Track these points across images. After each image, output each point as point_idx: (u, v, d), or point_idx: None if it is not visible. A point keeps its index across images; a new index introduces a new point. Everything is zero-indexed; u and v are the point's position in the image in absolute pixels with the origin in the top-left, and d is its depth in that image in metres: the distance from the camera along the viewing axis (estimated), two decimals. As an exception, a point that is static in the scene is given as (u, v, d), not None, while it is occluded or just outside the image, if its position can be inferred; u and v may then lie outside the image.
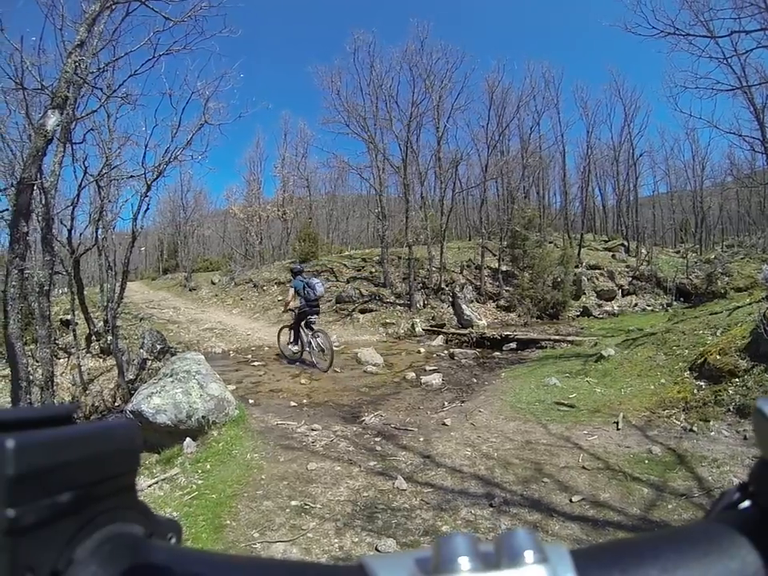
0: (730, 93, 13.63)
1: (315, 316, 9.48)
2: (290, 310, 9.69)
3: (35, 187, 6.02)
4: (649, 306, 18.27)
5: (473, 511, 3.56)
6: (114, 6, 6.38)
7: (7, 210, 5.66)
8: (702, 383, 5.70)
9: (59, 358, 11.64)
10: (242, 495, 4.04)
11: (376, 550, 3.12)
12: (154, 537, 0.36)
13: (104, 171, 9.68)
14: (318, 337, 9.28)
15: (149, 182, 9.53)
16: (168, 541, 0.38)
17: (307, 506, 3.76)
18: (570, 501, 3.67)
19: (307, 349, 9.52)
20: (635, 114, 29.41)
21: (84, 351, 11.82)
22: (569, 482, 4.01)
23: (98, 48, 6.52)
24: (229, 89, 10.66)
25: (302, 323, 9.48)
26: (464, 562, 0.26)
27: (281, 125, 36.25)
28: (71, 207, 10.21)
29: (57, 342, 12.12)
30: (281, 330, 10.71)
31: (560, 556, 0.27)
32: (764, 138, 17.86)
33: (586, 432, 5.18)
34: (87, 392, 10.27)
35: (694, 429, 4.92)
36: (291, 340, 9.94)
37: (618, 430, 5.18)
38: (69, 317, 11.89)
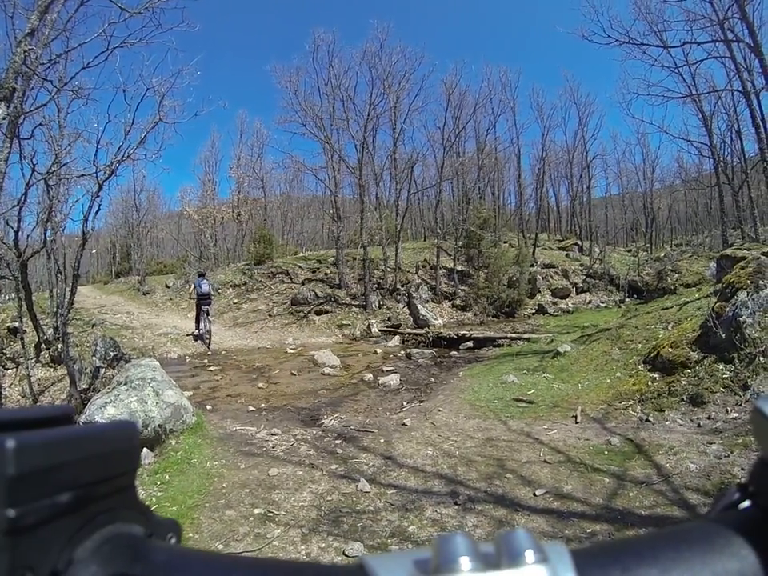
0: (681, 100, 14.35)
1: (206, 306, 12.63)
2: (192, 299, 13.35)
3: None
4: (602, 302, 18.83)
5: (438, 510, 3.55)
6: None
7: None
8: (656, 375, 5.90)
9: (7, 369, 11.11)
10: (204, 506, 3.91)
11: (344, 554, 3.07)
12: (153, 537, 0.36)
13: (53, 169, 9.25)
14: (204, 322, 12.52)
15: (100, 182, 9.15)
16: (168, 541, 0.38)
17: (271, 514, 3.68)
18: (534, 494, 3.70)
19: (202, 330, 12.60)
20: (589, 118, 30.40)
21: (33, 360, 11.28)
22: (531, 476, 4.05)
23: (50, 38, 6.24)
24: (185, 86, 10.40)
25: (200, 311, 12.65)
26: (464, 562, 0.25)
27: (237, 124, 35.60)
28: (18, 207, 9.72)
29: (4, 351, 11.57)
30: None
31: (560, 556, 0.26)
32: (711, 143, 18.76)
33: (545, 427, 5.27)
34: (38, 404, 9.83)
35: (650, 419, 5.09)
36: (195, 321, 13.11)
37: (576, 423, 5.30)
38: (16, 324, 11.36)
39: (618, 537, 3.03)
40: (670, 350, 5.96)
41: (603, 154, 34.28)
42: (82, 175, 9.87)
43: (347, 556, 3.06)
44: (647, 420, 5.09)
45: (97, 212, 10.17)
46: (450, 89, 23.03)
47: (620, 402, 5.66)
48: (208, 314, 12.75)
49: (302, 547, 3.21)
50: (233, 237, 31.09)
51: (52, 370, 11.19)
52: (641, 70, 35.96)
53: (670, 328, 7.06)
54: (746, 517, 0.33)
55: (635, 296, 17.65)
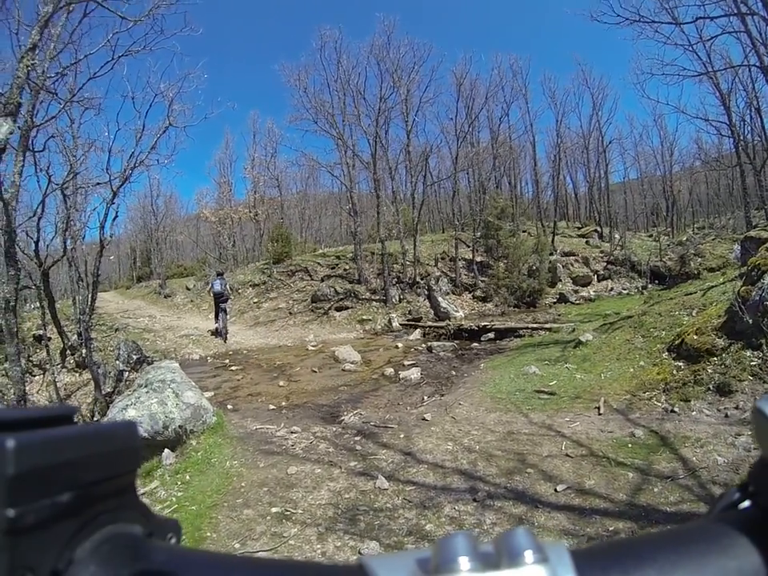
0: (696, 78, 13.89)
1: (223, 304, 13.34)
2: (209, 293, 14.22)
3: None
4: (624, 289, 18.48)
5: (457, 507, 3.49)
6: (71, 7, 6.19)
7: None
8: (681, 364, 5.72)
9: (34, 375, 11.36)
10: (222, 505, 3.93)
11: (359, 553, 3.04)
12: (153, 537, 0.36)
13: (68, 179, 9.39)
14: (222, 320, 13.28)
15: (114, 189, 9.28)
16: (168, 541, 0.38)
17: (288, 512, 3.67)
18: (555, 490, 3.62)
19: (219, 327, 13.34)
20: (603, 102, 29.70)
21: (59, 366, 11.52)
22: (553, 471, 3.96)
23: (55, 51, 6.30)
24: (193, 89, 10.49)
25: (217, 308, 13.47)
26: (464, 562, 0.26)
27: (249, 125, 35.79)
28: (36, 218, 9.89)
29: (31, 358, 11.82)
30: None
31: (560, 556, 0.26)
32: (730, 121, 18.17)
33: (567, 419, 5.15)
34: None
35: (676, 409, 4.92)
36: (214, 318, 14.01)
37: (599, 415, 5.17)
38: (41, 332, 11.58)
39: (636, 535, 2.94)
40: (695, 337, 5.78)
41: (620, 138, 33.60)
42: (98, 183, 10.03)
43: (362, 555, 3.00)
44: (672, 411, 4.93)
45: (114, 219, 10.39)
46: (460, 79, 22.71)
47: (644, 392, 5.50)
48: (225, 312, 13.51)
49: (318, 546, 3.19)
50: (251, 237, 31.21)
51: (77, 374, 11.41)
52: (653, 49, 34.89)
53: (694, 314, 6.87)
54: (746, 517, 0.33)
55: (657, 282, 17.35)
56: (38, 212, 9.76)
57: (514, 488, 3.72)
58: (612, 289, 18.91)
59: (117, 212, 15.23)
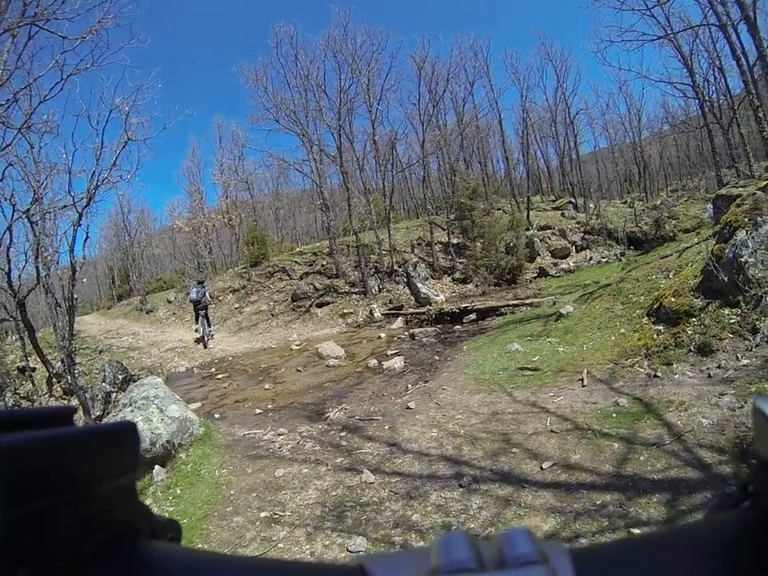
0: (657, 42, 13.92)
1: (202, 311, 13.86)
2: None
3: None
4: (603, 258, 18.60)
5: (443, 494, 3.47)
6: (15, 32, 6.08)
7: None
8: (661, 327, 5.73)
9: (23, 408, 11.19)
10: (213, 515, 3.93)
11: (347, 550, 3.03)
12: (153, 537, 0.35)
13: (32, 205, 9.22)
14: (203, 325, 13.86)
15: (80, 210, 9.14)
16: (168, 541, 0.37)
17: (277, 516, 3.67)
18: (541, 468, 3.60)
19: (200, 332, 13.98)
20: (567, 74, 30.00)
21: (47, 396, 11.36)
22: (538, 448, 3.95)
23: (3, 78, 6.20)
24: (148, 101, 10.36)
25: (197, 314, 14.03)
26: (463, 562, 0.26)
27: (214, 130, 35.40)
28: (5, 248, 9.71)
29: (18, 391, 11.65)
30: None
31: (559, 556, 0.26)
32: (694, 83, 18.28)
33: (551, 394, 5.15)
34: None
35: (658, 374, 4.92)
36: (194, 324, 15.00)
37: (583, 386, 5.17)
38: (24, 363, 11.40)
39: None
40: (673, 299, 5.79)
41: (586, 108, 34.00)
42: (64, 206, 9.86)
43: (350, 552, 3.02)
44: (655, 376, 4.93)
45: (86, 240, 10.22)
46: (420, 63, 22.52)
47: (626, 360, 5.51)
48: (206, 318, 14.10)
49: (307, 547, 3.18)
50: (227, 242, 30.88)
51: (66, 401, 11.26)
52: (611, 17, 35.21)
53: (671, 276, 6.90)
54: (746, 517, 0.33)
55: (635, 248, 17.46)
56: (5, 242, 9.58)
57: (500, 469, 3.70)
58: (591, 258, 19.03)
59: (87, 233, 14.98)
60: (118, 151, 9.47)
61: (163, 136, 31.67)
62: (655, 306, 6.10)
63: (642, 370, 5.16)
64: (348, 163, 19.36)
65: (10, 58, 6.50)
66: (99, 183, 9.23)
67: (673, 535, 0.33)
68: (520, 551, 0.26)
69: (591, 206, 24.43)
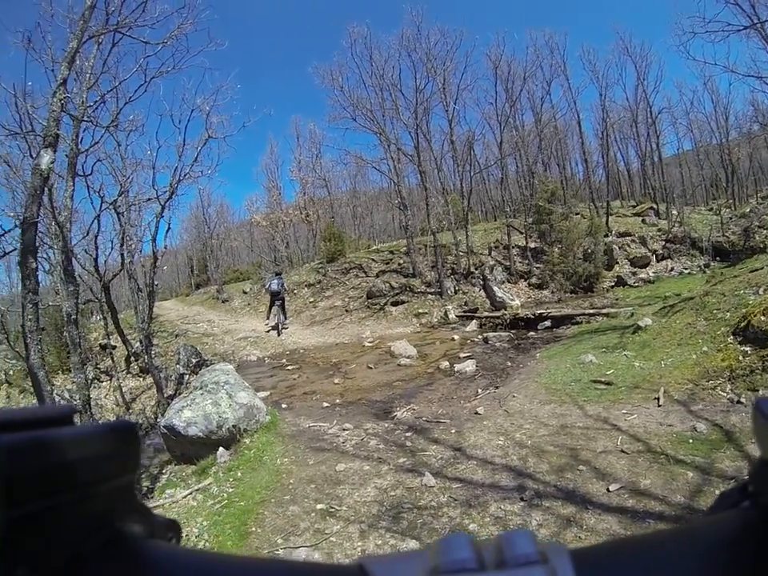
0: (743, 33, 12.77)
1: (278, 301, 14.59)
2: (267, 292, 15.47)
3: (54, 223, 6.22)
4: (685, 269, 17.54)
5: (503, 506, 3.39)
6: (100, 39, 6.51)
7: (15, 249, 5.82)
8: (748, 348, 5.31)
9: (102, 381, 12.01)
10: (270, 501, 4.04)
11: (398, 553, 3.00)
12: (153, 537, 0.36)
13: (119, 197, 9.85)
14: (278, 315, 14.44)
15: (162, 203, 9.68)
16: (168, 541, 0.38)
17: (333, 509, 3.71)
18: (608, 490, 3.44)
19: (273, 321, 14.65)
20: (648, 71, 28.12)
21: (124, 372, 12.12)
22: (606, 468, 3.77)
23: (91, 82, 6.66)
24: (228, 101, 10.88)
25: (271, 304, 14.97)
26: (463, 561, 0.26)
27: (292, 129, 36.40)
28: (93, 236, 10.44)
29: (98, 366, 12.52)
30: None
31: (560, 556, 0.26)
32: (786, 77, 16.83)
33: (624, 411, 4.92)
34: (130, 411, 10.55)
35: (742, 400, 4.57)
36: (267, 313, 15.71)
37: (659, 406, 4.89)
38: (106, 341, 12.22)
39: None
40: (763, 318, 5.37)
41: (669, 107, 31.40)
42: (148, 199, 10.49)
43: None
44: (738, 402, 4.57)
45: (167, 231, 10.84)
46: (495, 62, 22.18)
47: (707, 381, 5.15)
48: (282, 308, 14.79)
49: (359, 544, 3.20)
50: (304, 238, 31.47)
51: (141, 379, 11.95)
52: (693, 6, 32.65)
53: (761, 293, 6.41)
54: (746, 517, 0.32)
55: (720, 259, 16.43)
56: (94, 230, 10.28)
57: (564, 486, 3.57)
58: (672, 269, 17.99)
59: (169, 224, 15.90)
60: (199, 148, 9.99)
61: (242, 134, 33.04)
62: (742, 325, 5.67)
63: (725, 394, 4.81)
64: (426, 162, 19.31)
65: (96, 63, 6.96)
66: (181, 178, 9.75)
67: (673, 535, 0.32)
68: (520, 551, 0.26)
69: (674, 212, 23.07)
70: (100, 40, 6.61)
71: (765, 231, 15.02)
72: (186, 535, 3.74)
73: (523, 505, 3.38)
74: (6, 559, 0.25)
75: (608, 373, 6.23)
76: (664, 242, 19.80)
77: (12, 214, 8.05)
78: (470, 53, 27.23)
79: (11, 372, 13.78)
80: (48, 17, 6.72)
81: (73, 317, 6.06)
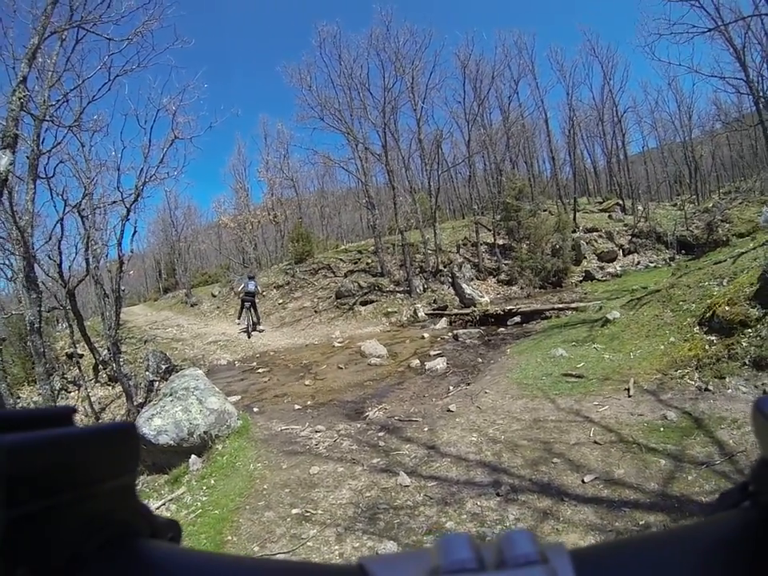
0: (707, 35, 13.15)
1: (248, 303, 14.64)
2: (237, 295, 15.54)
3: (15, 228, 6.04)
4: (651, 262, 18.00)
5: (479, 503, 3.37)
6: (63, 35, 6.33)
7: None
8: (714, 338, 5.45)
9: (69, 392, 11.68)
10: (244, 508, 3.96)
11: (376, 554, 2.97)
12: (153, 537, 0.35)
13: (82, 200, 9.59)
14: (250, 317, 14.63)
15: (128, 206, 9.45)
16: (168, 541, 0.37)
17: (308, 513, 3.65)
18: (583, 481, 3.46)
19: (245, 323, 14.65)
20: (614, 71, 29.00)
21: (93, 381, 11.81)
22: (580, 460, 3.80)
23: (53, 80, 6.45)
24: (195, 100, 10.70)
25: (242, 306, 14.83)
26: (463, 562, 0.26)
27: (260, 129, 36.03)
28: (57, 241, 10.15)
29: (65, 375, 12.16)
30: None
31: (560, 556, 0.26)
32: (747, 78, 17.37)
33: (596, 403, 4.96)
34: (100, 421, 10.27)
35: (710, 387, 4.67)
36: (237, 315, 15.46)
37: (629, 397, 4.96)
38: (72, 350, 11.88)
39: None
40: (727, 308, 5.50)
41: (635, 106, 32.71)
42: (114, 202, 10.25)
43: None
44: (706, 389, 4.67)
45: (134, 234, 10.64)
46: (464, 61, 22.26)
47: (676, 371, 5.25)
48: (254, 310, 15.01)
49: (336, 547, 3.15)
50: (272, 239, 31.26)
51: (111, 388, 11.65)
52: (659, 8, 33.56)
53: (725, 284, 6.56)
54: (747, 517, 0.32)
55: (685, 252, 16.90)
56: (57, 234, 10.00)
57: (539, 480, 3.57)
58: (639, 262, 18.43)
59: (135, 227, 15.60)
60: (165, 149, 9.79)
61: (209, 134, 32.58)
62: (708, 315, 5.82)
63: (693, 383, 4.92)
64: (393, 161, 19.36)
65: (59, 61, 6.81)
66: (147, 180, 9.54)
67: (673, 535, 0.32)
68: (520, 551, 0.26)
69: (640, 208, 23.62)
70: (63, 36, 6.45)
71: (727, 225, 15.49)
72: (160, 547, 3.63)
73: (499, 500, 3.37)
74: (6, 559, 0.24)
75: (578, 366, 6.30)
76: (630, 237, 20.27)
77: (-33, 220, 7.77)
78: (438, 52, 27.50)
79: (-26, 384, 13.31)
80: (10, 12, 6.52)
81: (36, 325, 5.88)
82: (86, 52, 7.75)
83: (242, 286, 14.98)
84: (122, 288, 10.63)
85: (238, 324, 15.33)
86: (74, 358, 11.78)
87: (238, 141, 41.69)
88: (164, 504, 4.44)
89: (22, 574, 0.25)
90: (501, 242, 18.94)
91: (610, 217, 23.53)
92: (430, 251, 17.66)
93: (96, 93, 8.02)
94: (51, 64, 6.43)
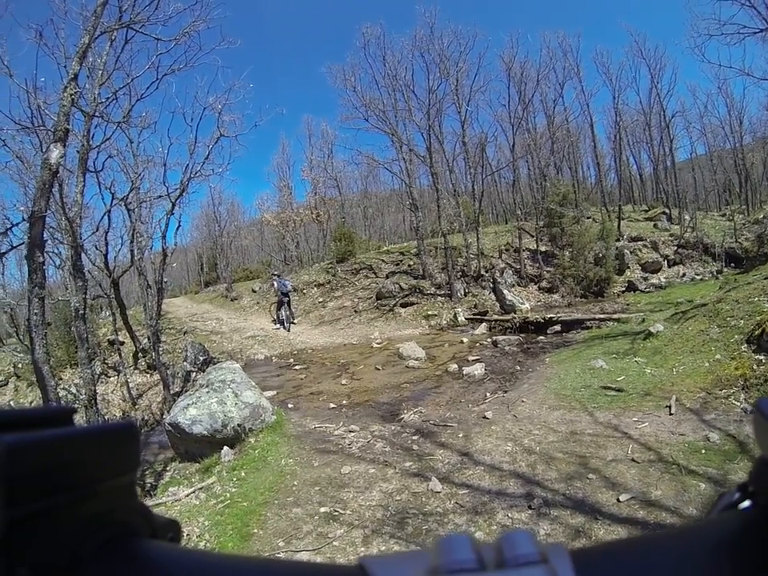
0: (759, 36, 12.60)
1: (286, 299, 15.33)
2: (275, 293, 15.82)
3: (64, 219, 6.28)
4: (697, 275, 17.36)
5: (510, 514, 3.33)
6: (113, 35, 6.57)
7: (23, 243, 5.86)
8: (762, 357, 5.23)
9: (109, 377, 12.09)
10: (273, 503, 4.00)
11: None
12: (153, 537, 0.35)
13: (129, 194, 9.90)
14: (287, 312, 15.35)
15: (173, 200, 9.71)
16: (168, 541, 0.37)
17: (336, 513, 3.67)
18: (618, 500, 3.36)
19: (282, 317, 15.28)
20: (662, 73, 27.50)
21: (132, 368, 12.18)
22: (617, 477, 3.70)
23: (103, 78, 6.70)
24: (240, 99, 10.91)
25: (280, 303, 15.37)
26: (463, 562, 0.26)
27: (304, 129, 36.45)
28: (103, 232, 10.52)
29: (106, 361, 12.60)
30: (272, 304, 16.94)
31: (560, 556, 0.26)
32: (802, 81, 16.56)
33: (635, 419, 4.83)
34: (136, 407, 10.59)
35: (757, 410, 4.49)
36: (276, 311, 15.79)
37: (670, 414, 4.80)
38: (114, 337, 12.29)
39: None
40: (778, 325, 5.28)
41: (683, 111, 30.98)
42: (159, 196, 10.55)
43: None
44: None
45: (177, 228, 10.90)
46: (509, 63, 22.03)
47: (720, 390, 5.06)
48: (289, 306, 15.67)
49: (362, 549, 3.15)
50: (315, 237, 31.45)
51: (149, 375, 12.00)
52: (709, 9, 32.07)
53: (776, 300, 6.29)
54: (746, 517, 0.33)
55: (734, 265, 16.32)
56: (104, 226, 10.35)
57: (573, 495, 3.49)
58: (684, 274, 17.79)
59: (179, 222, 16.00)
60: (210, 146, 10.02)
61: (254, 133, 33.13)
62: (757, 333, 5.58)
63: (738, 404, 4.72)
64: (438, 164, 19.22)
65: (109, 60, 7.04)
66: (192, 176, 9.78)
67: (673, 535, 0.32)
68: (520, 552, 0.26)
69: (686, 217, 22.80)
70: (113, 36, 6.67)
71: (779, 238, 14.80)
72: (188, 534, 3.71)
73: (531, 513, 3.31)
74: (6, 559, 0.25)
75: (619, 379, 6.14)
76: (676, 247, 19.59)
77: (23, 209, 8.10)
78: (483, 54, 27.22)
79: (20, 365, 13.87)
80: (61, 13, 6.81)
81: (81, 312, 6.07)
82: (134, 52, 8.00)
83: (277, 284, 15.37)
84: (165, 280, 10.91)
85: (275, 321, 15.80)
86: (115, 345, 12.18)
87: (283, 140, 42.48)
88: (194, 492, 4.53)
89: (22, 574, 0.25)
90: (543, 248, 18.61)
91: (655, 226, 22.82)
92: (472, 255, 17.50)
93: (144, 91, 8.33)
94: (101, 63, 6.66)
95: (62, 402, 5.55)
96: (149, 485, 5.83)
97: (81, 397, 7.23)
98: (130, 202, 10.17)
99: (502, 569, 0.25)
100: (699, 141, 34.64)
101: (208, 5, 7.74)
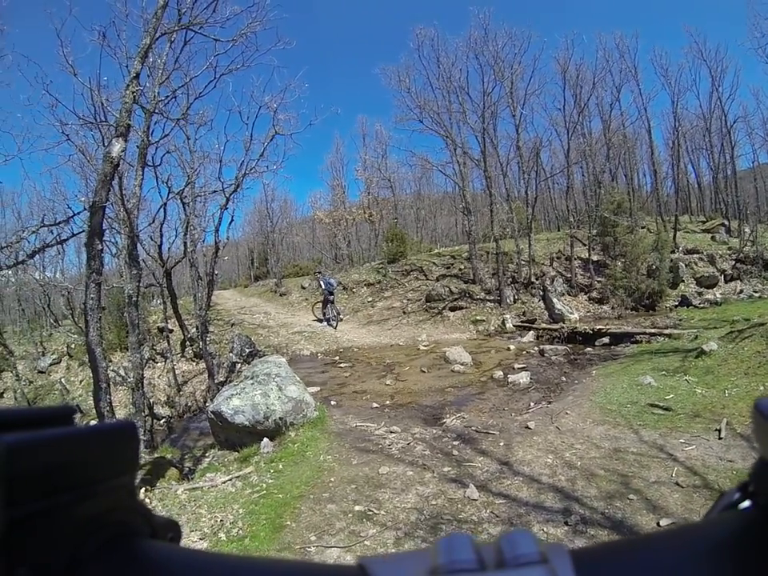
0: None
1: (332, 296, 15.46)
2: (322, 292, 15.90)
3: (123, 210, 6.58)
4: (756, 292, 16.45)
5: (545, 529, 3.28)
6: (172, 36, 6.84)
7: (83, 231, 6.15)
8: (823, 382, 4.98)
9: (157, 362, 12.56)
10: (308, 497, 4.06)
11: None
12: (153, 537, 0.36)
13: (185, 188, 10.25)
14: (334, 310, 15.43)
15: (227, 195, 10.00)
16: (168, 541, 0.38)
17: (371, 512, 3.69)
18: (658, 524, 3.26)
19: (328, 315, 15.45)
20: (723, 76, 26.04)
21: (179, 355, 12.61)
22: (658, 500, 3.58)
23: (163, 77, 7.00)
24: (295, 99, 11.15)
25: (326, 300, 15.49)
26: (464, 562, 0.26)
27: (358, 129, 36.78)
28: (159, 224, 10.94)
29: (154, 347, 13.10)
30: (315, 303, 17.34)
31: (560, 556, 0.26)
32: None
33: (682, 440, 4.67)
34: (181, 393, 10.97)
35: (814, 441, 4.27)
36: (322, 309, 15.92)
37: (719, 439, 4.62)
38: (164, 324, 12.77)
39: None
40: (843, 351, 5.01)
41: (745, 116, 28.87)
42: (214, 191, 10.90)
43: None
44: (810, 443, 4.27)
45: (230, 222, 11.28)
46: (564, 66, 21.30)
47: (776, 416, 4.84)
48: (333, 303, 15.75)
49: (393, 551, 3.14)
50: (366, 237, 31.63)
51: (195, 363, 12.38)
52: None
53: (843, 324, 5.97)
54: (746, 517, 0.33)
55: (796, 283, 15.38)
56: (160, 218, 10.77)
57: (612, 515, 3.41)
58: (741, 291, 16.93)
59: (232, 216, 16.49)
60: (265, 144, 10.30)
61: (309, 132, 33.64)
62: (820, 358, 5.31)
63: (795, 432, 4.50)
64: (491, 168, 19.06)
65: (168, 60, 7.38)
66: (247, 172, 10.08)
67: (673, 535, 0.32)
68: (520, 552, 0.26)
69: (747, 230, 21.65)
70: (172, 38, 6.96)
71: None
72: (221, 521, 3.81)
73: (567, 529, 3.26)
74: (6, 559, 0.25)
75: (667, 397, 5.96)
76: (734, 262, 18.68)
77: (83, 199, 8.52)
78: (537, 56, 26.52)
79: (73, 346, 14.60)
80: (123, 16, 7.17)
81: (134, 299, 6.34)
82: (193, 52, 8.39)
83: (323, 283, 15.57)
84: (216, 272, 11.28)
85: (319, 320, 16.04)
86: (164, 332, 12.63)
87: (337, 139, 42.84)
88: (230, 480, 4.63)
89: (21, 574, 0.25)
90: (595, 257, 18.14)
91: (713, 238, 21.86)
92: (523, 262, 17.28)
93: (202, 90, 8.70)
94: (161, 63, 6.96)
95: (111, 382, 5.80)
96: (187, 468, 6.02)
97: (129, 379, 7.55)
98: (186, 196, 10.53)
99: (503, 569, 0.25)
100: (762, 148, 32.71)
101: (265, 7, 8.00)
